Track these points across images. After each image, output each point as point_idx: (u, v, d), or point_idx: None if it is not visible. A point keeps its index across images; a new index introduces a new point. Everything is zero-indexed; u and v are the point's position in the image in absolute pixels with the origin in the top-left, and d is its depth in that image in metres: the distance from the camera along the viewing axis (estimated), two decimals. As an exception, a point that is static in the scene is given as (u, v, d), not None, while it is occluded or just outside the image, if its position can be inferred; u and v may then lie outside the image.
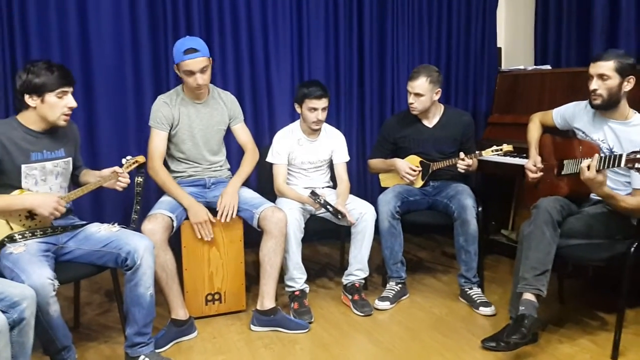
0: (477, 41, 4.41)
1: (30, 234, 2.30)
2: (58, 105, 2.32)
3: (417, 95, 3.08)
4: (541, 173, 2.78)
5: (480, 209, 3.09)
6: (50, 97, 2.30)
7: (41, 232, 2.33)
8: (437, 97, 3.15)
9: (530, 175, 2.80)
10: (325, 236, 4.14)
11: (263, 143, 3.63)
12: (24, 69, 2.30)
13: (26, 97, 2.30)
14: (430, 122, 3.23)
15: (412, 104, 3.11)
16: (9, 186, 2.31)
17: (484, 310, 2.96)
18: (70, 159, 2.51)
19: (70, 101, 2.35)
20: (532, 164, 2.80)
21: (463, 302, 3.10)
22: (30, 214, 2.31)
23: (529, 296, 2.42)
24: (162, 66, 3.66)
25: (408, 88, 3.10)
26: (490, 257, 3.78)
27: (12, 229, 2.28)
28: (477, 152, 3.08)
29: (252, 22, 3.82)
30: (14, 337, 1.90)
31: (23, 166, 2.31)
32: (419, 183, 3.21)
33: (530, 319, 2.36)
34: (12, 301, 1.90)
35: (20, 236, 2.27)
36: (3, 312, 1.88)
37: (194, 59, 2.75)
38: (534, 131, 2.94)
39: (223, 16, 3.74)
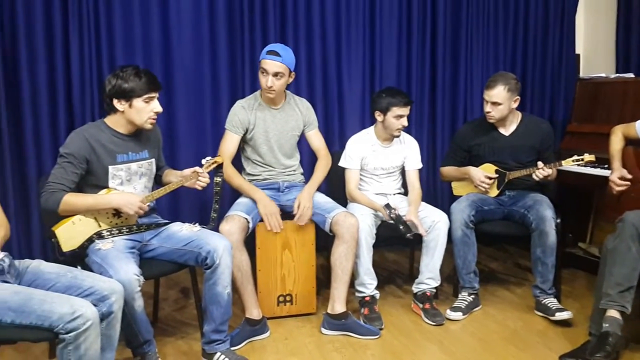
0: (555, 47, 4.29)
1: (117, 231, 2.40)
2: (145, 109, 2.41)
3: (495, 104, 3.02)
4: (627, 185, 2.67)
5: (558, 220, 2.99)
6: (137, 102, 2.39)
7: (127, 230, 2.44)
8: (515, 106, 3.07)
9: (616, 188, 2.69)
10: (392, 243, 4.10)
11: (332, 149, 3.65)
12: (114, 74, 2.41)
13: (115, 101, 2.40)
14: (507, 130, 3.16)
15: (489, 112, 3.05)
16: (97, 186, 2.42)
17: (560, 315, 2.86)
18: (153, 160, 2.61)
19: (156, 106, 2.44)
20: (618, 176, 2.69)
21: (539, 316, 3.01)
22: (117, 212, 2.43)
23: (613, 313, 2.32)
24: (239, 72, 3.75)
25: (485, 97, 3.05)
26: (566, 270, 3.65)
27: (100, 226, 2.39)
28: (557, 161, 2.98)
29: (325, 29, 3.86)
30: (103, 330, 1.99)
31: (110, 167, 2.42)
32: (494, 192, 3.14)
33: (614, 336, 2.27)
34: (102, 295, 1.99)
35: (107, 233, 2.38)
36: (94, 305, 1.97)
37: (272, 61, 2.82)
38: (616, 143, 2.83)
39: (298, 24, 3.80)
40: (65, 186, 2.30)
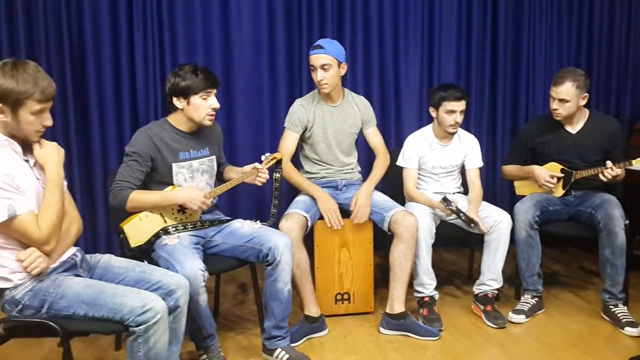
0: (621, 41, 4.11)
1: (182, 227, 2.46)
2: (202, 106, 2.45)
3: (562, 101, 2.91)
4: None
5: (627, 221, 2.87)
6: (195, 98, 2.43)
7: (192, 226, 2.49)
8: (583, 103, 2.96)
9: None
10: (450, 243, 4.06)
11: (389, 148, 3.57)
12: (173, 72, 2.47)
13: (174, 99, 2.46)
14: (573, 128, 3.05)
15: (555, 110, 2.95)
16: (162, 183, 2.49)
17: (630, 330, 2.74)
18: (214, 157, 2.66)
19: (213, 102, 2.47)
20: None
21: (606, 320, 2.90)
22: (182, 208, 2.48)
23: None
24: (296, 70, 3.78)
25: (552, 93, 2.95)
26: (634, 273, 3.49)
27: (165, 222, 2.45)
28: (626, 160, 2.85)
29: (383, 25, 3.84)
30: (169, 324, 2.03)
31: (173, 165, 2.48)
32: (560, 192, 3.04)
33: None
34: (169, 289, 2.04)
35: (173, 229, 2.44)
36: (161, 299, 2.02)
37: (316, 55, 2.84)
38: None
39: (355, 21, 3.79)
40: (131, 184, 2.38)
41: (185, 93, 2.42)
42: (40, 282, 1.88)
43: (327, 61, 2.83)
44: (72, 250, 2.04)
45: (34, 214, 1.84)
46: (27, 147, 1.93)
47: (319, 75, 2.85)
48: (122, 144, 3.56)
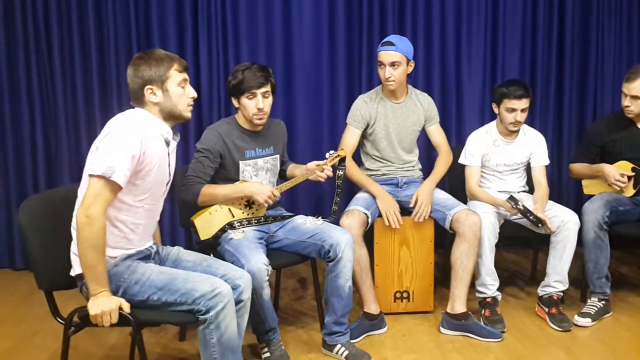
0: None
1: (247, 222, 2.52)
2: (249, 106, 2.50)
3: (635, 97, 2.80)
4: None
5: None
6: (242, 99, 2.49)
7: (256, 221, 2.54)
8: (657, 100, 2.84)
9: None
10: (512, 243, 3.95)
11: (450, 144, 3.54)
12: (232, 72, 2.53)
13: (232, 99, 2.53)
14: (646, 126, 2.93)
15: (627, 107, 2.85)
16: (228, 180, 2.55)
17: None
18: (278, 155, 2.70)
19: (258, 102, 2.49)
20: None
21: (679, 327, 2.78)
22: (249, 203, 2.54)
23: None
24: (356, 67, 3.77)
25: (624, 90, 2.84)
26: None
27: (233, 216, 2.51)
28: None
29: (445, 21, 3.78)
30: None
31: (240, 162, 2.54)
32: (630, 192, 2.93)
33: None
34: (234, 283, 2.07)
35: (239, 223, 2.50)
36: None
37: (386, 51, 2.82)
38: None
39: (416, 17, 3.75)
40: (202, 179, 2.46)
41: (236, 93, 2.51)
42: (116, 267, 1.95)
43: (397, 59, 2.81)
44: (151, 242, 2.12)
45: (113, 194, 1.84)
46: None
47: (387, 73, 2.83)
48: (186, 142, 3.66)
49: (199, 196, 2.43)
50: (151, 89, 1.95)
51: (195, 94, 2.05)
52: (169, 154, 2.05)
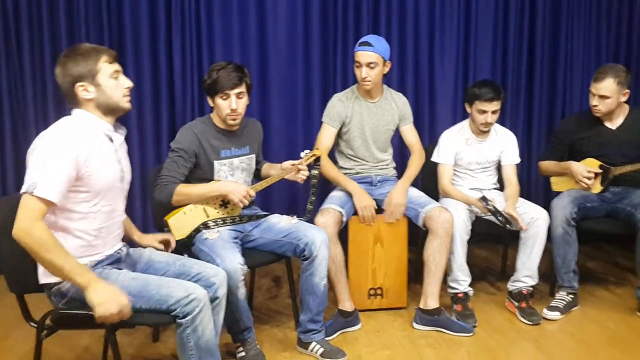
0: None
1: (222, 222, 2.51)
2: (222, 106, 2.49)
3: (603, 97, 2.88)
4: None
5: (667, 219, 2.83)
6: (217, 99, 2.49)
7: (230, 220, 2.54)
8: (624, 99, 2.92)
9: None
10: (482, 239, 4.02)
11: (422, 143, 3.58)
12: (208, 71, 2.53)
13: (208, 98, 2.53)
14: (613, 124, 3.01)
15: (595, 106, 2.92)
16: (203, 179, 2.54)
17: None
18: (253, 155, 2.70)
19: (232, 103, 2.47)
20: None
21: (642, 318, 2.88)
22: (224, 203, 2.53)
23: None
24: (330, 66, 3.78)
25: (592, 89, 2.91)
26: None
27: (208, 216, 2.51)
28: None
29: (418, 20, 3.82)
30: None
31: (215, 162, 2.53)
32: (597, 188, 3.01)
33: None
34: (208, 281, 2.08)
35: (213, 223, 2.50)
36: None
37: (363, 52, 2.83)
38: None
39: (390, 16, 3.78)
40: (176, 179, 2.44)
41: (210, 93, 2.50)
42: None
43: (374, 59, 2.83)
44: (119, 244, 2.10)
45: (42, 208, 1.76)
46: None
47: (363, 73, 2.85)
48: (160, 141, 3.63)
49: (173, 196, 2.42)
50: (82, 85, 1.89)
51: (130, 84, 1.98)
52: (116, 150, 2.01)
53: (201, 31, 3.61)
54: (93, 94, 1.92)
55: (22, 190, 1.77)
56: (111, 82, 1.93)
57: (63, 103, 3.43)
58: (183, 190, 2.44)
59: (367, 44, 2.84)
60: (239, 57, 3.63)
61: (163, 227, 2.47)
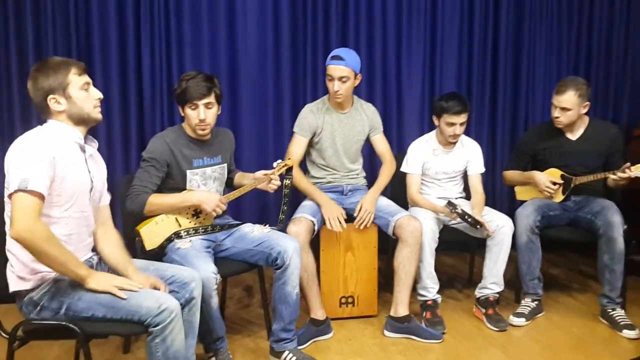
0: (620, 47, 4.16)
1: (193, 231, 2.51)
2: (191, 116, 2.49)
3: (564, 109, 2.98)
4: None
5: (625, 226, 2.94)
6: (186, 109, 2.50)
7: (203, 230, 2.54)
8: (584, 111, 3.03)
9: None
10: (449, 247, 4.10)
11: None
12: (178, 81, 2.53)
13: (179, 107, 2.53)
14: (574, 135, 3.12)
15: (557, 118, 3.02)
16: (175, 189, 2.54)
17: (628, 333, 2.81)
18: (225, 164, 2.71)
19: (200, 113, 2.47)
20: None
21: (604, 323, 2.97)
22: (196, 213, 2.53)
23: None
24: (300, 78, 3.82)
25: (554, 102, 3.01)
26: (630, 278, 3.56)
27: (180, 225, 2.50)
28: (629, 167, 2.90)
29: (386, 32, 3.89)
30: (185, 316, 2.09)
31: (187, 171, 2.53)
32: (560, 197, 3.11)
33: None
34: (184, 282, 2.11)
35: (185, 233, 2.49)
36: (176, 292, 2.09)
37: (335, 66, 2.87)
38: None
39: (359, 28, 3.85)
40: (148, 189, 2.43)
41: (181, 102, 2.50)
42: (57, 283, 1.92)
43: (345, 73, 2.86)
44: (89, 254, 2.08)
45: (38, 203, 1.77)
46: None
47: (335, 86, 2.88)
48: (129, 150, 3.60)
49: (145, 206, 2.40)
50: (54, 98, 1.91)
51: (100, 95, 2.01)
52: (86, 160, 2.01)
53: (170, 38, 3.60)
54: (64, 106, 1.93)
55: (11, 190, 1.77)
56: (82, 93, 1.95)
57: (30, 114, 3.42)
58: (155, 200, 2.43)
59: (339, 57, 2.87)
60: (209, 66, 3.63)
61: (134, 237, 2.46)
